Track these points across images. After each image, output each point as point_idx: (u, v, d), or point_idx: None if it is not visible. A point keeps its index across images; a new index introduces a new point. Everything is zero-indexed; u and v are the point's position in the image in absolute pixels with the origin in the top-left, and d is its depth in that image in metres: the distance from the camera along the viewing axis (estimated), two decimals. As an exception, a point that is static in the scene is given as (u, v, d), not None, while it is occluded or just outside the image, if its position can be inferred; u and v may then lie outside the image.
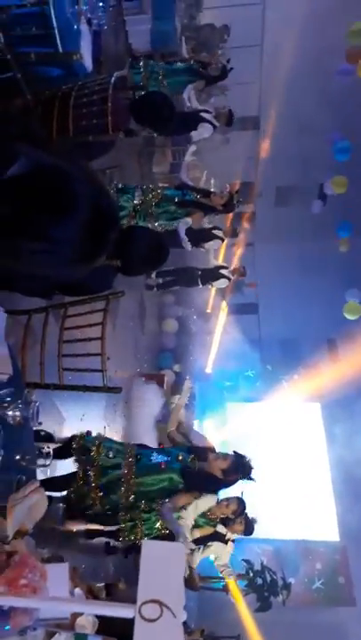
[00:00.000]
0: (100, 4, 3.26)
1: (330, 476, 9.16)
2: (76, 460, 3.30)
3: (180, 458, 3.44)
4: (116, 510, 3.34)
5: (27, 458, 2.03)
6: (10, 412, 1.94)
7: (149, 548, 1.44)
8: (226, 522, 3.97)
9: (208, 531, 3.91)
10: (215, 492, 3.61)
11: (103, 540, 4.34)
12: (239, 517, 3.91)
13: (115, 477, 3.28)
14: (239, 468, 3.54)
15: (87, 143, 2.97)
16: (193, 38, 7.50)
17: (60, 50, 2.63)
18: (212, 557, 4.10)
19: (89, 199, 1.76)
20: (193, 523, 3.53)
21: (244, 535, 4.05)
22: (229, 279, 6.78)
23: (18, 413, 1.95)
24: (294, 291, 10.69)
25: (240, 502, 3.86)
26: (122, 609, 1.39)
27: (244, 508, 3.90)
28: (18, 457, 2.00)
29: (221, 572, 4.19)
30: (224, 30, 7.80)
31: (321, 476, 9.14)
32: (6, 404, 1.96)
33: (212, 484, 3.50)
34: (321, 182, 9.30)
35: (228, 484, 3.54)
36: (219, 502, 3.78)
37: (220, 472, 3.48)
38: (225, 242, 6.59)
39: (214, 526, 3.95)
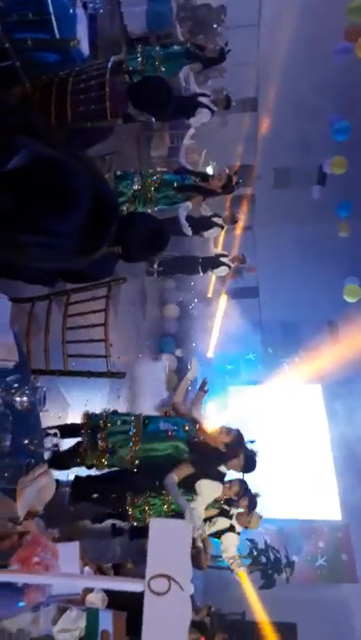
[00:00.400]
0: (95, -14, 3.23)
1: (331, 457, 9.28)
2: (85, 432, 3.38)
3: (187, 428, 3.51)
4: (120, 475, 3.39)
5: (35, 442, 2.08)
6: (17, 398, 1.99)
7: (157, 525, 1.49)
8: (230, 503, 4.06)
9: (212, 513, 4.00)
10: (222, 479, 3.67)
11: (109, 522, 4.44)
12: (242, 498, 4.00)
13: (122, 440, 3.36)
14: (242, 442, 3.60)
15: (86, 129, 2.96)
16: (189, 19, 7.38)
17: (57, 35, 2.61)
18: (221, 548, 4.18)
19: (89, 193, 1.77)
20: (203, 511, 3.56)
21: (249, 510, 4.13)
22: (230, 267, 6.82)
23: (25, 399, 1.99)
24: (295, 273, 10.68)
25: (242, 483, 3.93)
26: (132, 583, 1.45)
27: (247, 489, 3.98)
28: (26, 441, 2.05)
29: (231, 565, 4.24)
30: (221, 10, 7.67)
31: (323, 456, 9.26)
32: (14, 391, 2.00)
33: (217, 459, 3.55)
34: (320, 164, 9.23)
35: (232, 458, 3.59)
36: (223, 485, 3.84)
37: (223, 446, 3.54)
38: (224, 229, 6.60)
39: (219, 508, 4.03)
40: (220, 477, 3.65)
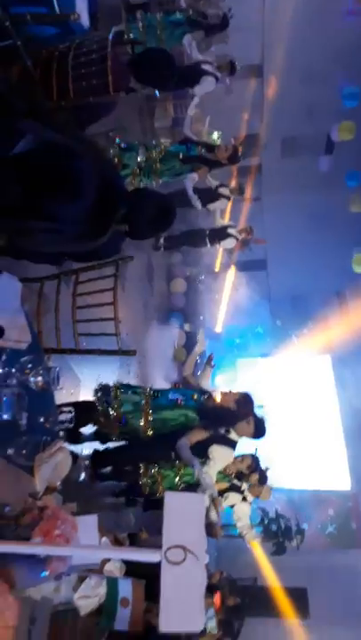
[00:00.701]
0: None
1: (341, 427, 9.37)
2: (98, 404, 3.47)
3: (195, 397, 3.58)
4: (134, 445, 3.48)
5: (50, 420, 2.13)
6: (32, 378, 2.03)
7: (172, 498, 1.54)
8: (240, 477, 4.13)
9: (224, 485, 4.08)
10: (233, 446, 3.71)
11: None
12: (254, 472, 4.07)
13: (133, 410, 3.45)
14: (251, 401, 3.66)
15: (89, 105, 2.91)
16: (191, -18, 7.11)
17: (57, 9, 2.54)
18: (234, 517, 4.27)
19: (95, 177, 1.76)
20: (215, 476, 3.65)
21: (260, 484, 4.21)
22: (237, 239, 6.75)
23: (40, 379, 2.03)
24: (303, 245, 10.56)
25: (254, 458, 4.00)
26: (149, 554, 1.51)
27: (258, 464, 4.05)
28: (42, 419, 2.10)
29: (244, 535, 4.31)
30: (223, -29, 7.37)
31: (332, 426, 9.35)
32: (28, 371, 2.04)
33: (228, 417, 3.61)
34: (328, 132, 9.01)
35: (243, 416, 3.64)
36: (234, 459, 3.91)
37: (234, 404, 3.60)
38: (231, 200, 6.50)
39: (230, 481, 4.11)
40: (231, 445, 3.71)
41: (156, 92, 5.48)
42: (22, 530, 1.67)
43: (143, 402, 3.48)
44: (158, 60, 3.41)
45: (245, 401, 3.64)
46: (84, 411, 3.52)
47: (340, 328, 9.41)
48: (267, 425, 3.79)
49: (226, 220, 6.95)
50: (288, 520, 6.63)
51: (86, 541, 1.78)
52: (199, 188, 5.77)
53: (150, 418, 3.44)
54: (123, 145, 4.60)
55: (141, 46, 4.39)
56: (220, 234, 6.74)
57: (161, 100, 7.37)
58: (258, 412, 3.77)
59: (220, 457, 3.57)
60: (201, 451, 3.48)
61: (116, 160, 4.37)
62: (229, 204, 6.73)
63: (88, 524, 1.87)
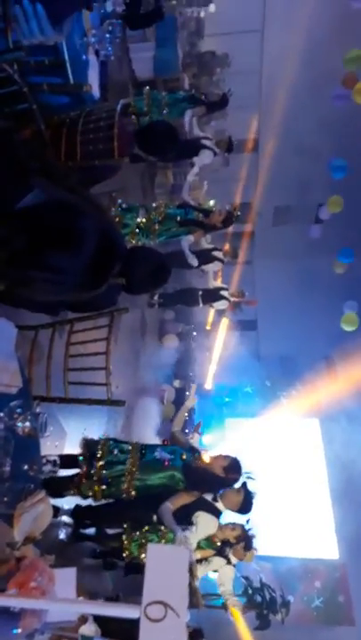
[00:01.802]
0: (108, 35, 3.44)
1: (329, 493, 9.15)
2: (83, 458, 3.39)
3: (184, 457, 3.52)
4: (118, 507, 3.36)
5: (34, 467, 2.11)
6: (20, 424, 2.03)
7: (155, 551, 1.52)
8: (226, 544, 3.99)
9: (209, 553, 3.94)
10: (217, 515, 3.63)
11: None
12: (240, 543, 3.94)
13: (118, 472, 3.35)
14: (240, 468, 3.59)
15: (94, 167, 3.10)
16: (194, 64, 7.76)
17: (71, 80, 2.77)
18: (217, 581, 4.09)
19: (96, 235, 1.88)
20: (195, 545, 3.53)
21: (245, 551, 4.06)
22: (229, 300, 6.95)
23: (28, 424, 2.03)
24: (292, 308, 10.81)
25: (244, 530, 3.89)
26: (128, 609, 1.46)
27: (247, 537, 3.94)
28: (26, 467, 2.07)
29: (226, 601, 4.15)
30: (225, 58, 8.07)
31: (320, 492, 9.13)
32: (16, 416, 2.04)
33: (214, 483, 3.54)
34: (318, 202, 9.48)
35: (229, 483, 3.58)
36: (224, 525, 3.81)
37: (221, 470, 3.54)
38: (224, 263, 6.75)
39: (215, 549, 3.98)
40: (217, 514, 3.62)
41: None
42: (-3, 581, 1.62)
43: (130, 462, 3.41)
44: (162, 133, 3.65)
45: (234, 468, 3.58)
46: (67, 465, 3.45)
47: (328, 391, 9.43)
48: (255, 501, 3.72)
49: (219, 282, 7.18)
50: (273, 591, 6.32)
51: (64, 595, 1.71)
52: (194, 250, 6.00)
53: (134, 482, 3.36)
54: (124, 205, 4.83)
55: (147, 118, 4.73)
56: (213, 295, 6.94)
57: (162, 167, 7.79)
58: (246, 479, 3.70)
59: (205, 525, 3.48)
60: (185, 515, 3.39)
61: (117, 219, 4.58)
62: (222, 267, 6.97)
63: (66, 578, 1.81)
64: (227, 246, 6.98)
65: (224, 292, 6.93)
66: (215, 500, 3.63)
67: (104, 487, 3.33)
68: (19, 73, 2.30)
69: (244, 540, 3.91)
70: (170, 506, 3.26)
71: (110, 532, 3.76)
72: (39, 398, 2.88)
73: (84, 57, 3.17)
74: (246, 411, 9.97)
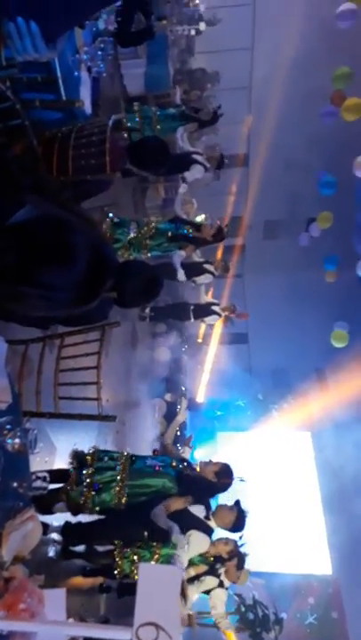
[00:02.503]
0: (100, 52, 3.49)
1: (321, 508, 9.10)
2: (72, 469, 3.35)
3: (175, 464, 3.50)
4: (109, 521, 3.33)
5: (24, 484, 2.07)
6: (9, 440, 2.00)
7: (146, 571, 1.49)
8: (218, 559, 3.95)
9: (202, 569, 3.90)
10: (209, 534, 3.61)
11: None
12: (233, 559, 3.91)
13: (109, 478, 3.32)
14: (231, 473, 3.59)
15: (86, 182, 3.12)
16: (185, 81, 7.87)
17: (64, 96, 2.80)
18: (209, 604, 4.05)
19: (88, 251, 1.88)
20: (187, 562, 3.49)
21: (237, 569, 4.02)
22: (220, 315, 6.98)
23: (17, 441, 2.01)
24: (283, 321, 10.87)
25: (237, 546, 3.86)
26: (120, 631, 1.43)
27: (240, 553, 3.91)
28: (15, 484, 2.04)
29: (219, 624, 4.09)
30: (215, 75, 8.20)
31: (313, 507, 9.08)
32: (6, 432, 2.02)
33: (207, 489, 3.53)
34: (307, 216, 9.57)
35: (222, 488, 3.57)
36: (217, 540, 3.78)
37: (213, 475, 3.53)
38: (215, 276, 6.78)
39: (208, 564, 3.94)
40: (209, 532, 3.60)
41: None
42: (-15, 603, 1.58)
43: (120, 468, 3.37)
44: (154, 148, 3.68)
45: (225, 472, 3.58)
46: (57, 480, 3.41)
47: (320, 405, 9.44)
48: (247, 520, 3.71)
49: (210, 296, 7.22)
50: (266, 608, 6.25)
51: (53, 617, 1.67)
52: (186, 262, 6.03)
53: (126, 483, 3.32)
54: (115, 220, 4.85)
55: (138, 134, 4.77)
56: (204, 310, 6.97)
57: (153, 182, 7.85)
58: (238, 485, 3.70)
59: (197, 543, 3.46)
60: (177, 522, 3.33)
61: (108, 234, 4.59)
62: (213, 280, 7.00)
63: (56, 599, 1.77)
64: (218, 258, 7.02)
65: (215, 308, 6.97)
66: (208, 517, 3.60)
67: (94, 493, 3.29)
68: (12, 89, 2.32)
69: (237, 555, 3.87)
70: (163, 508, 3.23)
71: (100, 549, 3.70)
72: (29, 414, 2.84)
73: (76, 73, 3.21)
74: (238, 424, 9.94)
